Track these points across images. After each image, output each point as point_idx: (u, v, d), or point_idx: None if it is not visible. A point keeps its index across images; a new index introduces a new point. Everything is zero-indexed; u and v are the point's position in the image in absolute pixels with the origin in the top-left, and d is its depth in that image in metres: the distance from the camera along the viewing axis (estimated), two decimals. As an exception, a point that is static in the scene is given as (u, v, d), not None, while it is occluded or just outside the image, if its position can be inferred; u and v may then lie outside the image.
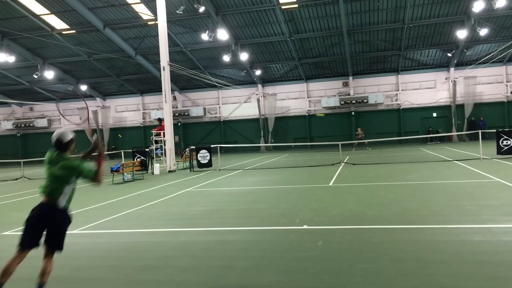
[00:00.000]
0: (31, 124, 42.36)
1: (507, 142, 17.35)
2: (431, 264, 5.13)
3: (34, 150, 42.97)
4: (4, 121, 43.45)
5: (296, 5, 27.27)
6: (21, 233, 4.45)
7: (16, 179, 21.59)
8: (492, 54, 30.07)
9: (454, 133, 32.55)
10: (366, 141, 30.43)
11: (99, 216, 9.58)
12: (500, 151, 17.49)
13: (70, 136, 4.67)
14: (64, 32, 30.68)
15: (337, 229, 7.17)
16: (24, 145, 44.04)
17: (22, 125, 42.59)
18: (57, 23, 29.66)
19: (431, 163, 17.18)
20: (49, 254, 4.58)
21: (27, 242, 4.38)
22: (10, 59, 30.99)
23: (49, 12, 28.23)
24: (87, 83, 38.65)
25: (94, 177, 4.58)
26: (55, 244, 4.55)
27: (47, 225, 4.49)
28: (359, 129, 32.71)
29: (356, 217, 8.00)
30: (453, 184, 11.35)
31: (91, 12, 27.97)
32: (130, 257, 6.24)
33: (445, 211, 7.99)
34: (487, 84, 34.01)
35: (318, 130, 37.29)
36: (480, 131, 18.97)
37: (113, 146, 40.58)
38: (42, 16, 28.73)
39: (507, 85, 33.73)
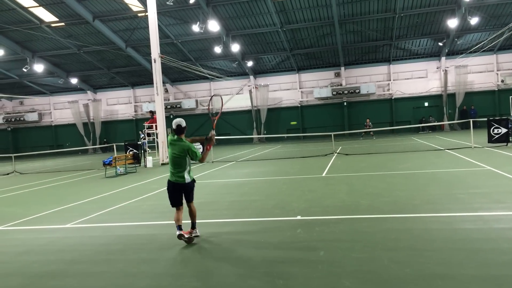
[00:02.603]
0: (22, 118, 41.94)
1: (498, 131, 17.48)
2: (423, 252, 5.18)
3: (25, 145, 42.64)
4: (-6, 116, 43.05)
5: (287, -5, 27.11)
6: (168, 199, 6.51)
7: (8, 174, 21.40)
8: (482, 43, 30.12)
9: (446, 122, 32.73)
10: (371, 130, 30.45)
11: (92, 209, 9.55)
12: (491, 139, 17.61)
13: (184, 123, 6.40)
14: (53, 25, 30.28)
15: (330, 219, 7.21)
16: (15, 140, 43.61)
17: (13, 119, 42.14)
18: (46, 16, 29.25)
19: (423, 152, 17.28)
20: (188, 204, 6.55)
21: (174, 203, 6.49)
22: (-1, 52, 30.64)
23: (37, 5, 27.81)
24: (77, 76, 38.27)
25: (200, 158, 6.39)
26: (189, 199, 6.55)
27: (181, 193, 6.48)
28: (368, 120, 32.93)
29: (349, 207, 8.04)
30: (444, 173, 11.44)
31: (80, 4, 27.61)
32: (124, 250, 6.24)
33: (437, 200, 8.06)
34: (478, 73, 34.15)
35: (310, 121, 37.30)
36: (471, 120, 19.09)
37: (105, 140, 40.36)
38: (30, 9, 28.29)
39: (497, 74, 33.91)
